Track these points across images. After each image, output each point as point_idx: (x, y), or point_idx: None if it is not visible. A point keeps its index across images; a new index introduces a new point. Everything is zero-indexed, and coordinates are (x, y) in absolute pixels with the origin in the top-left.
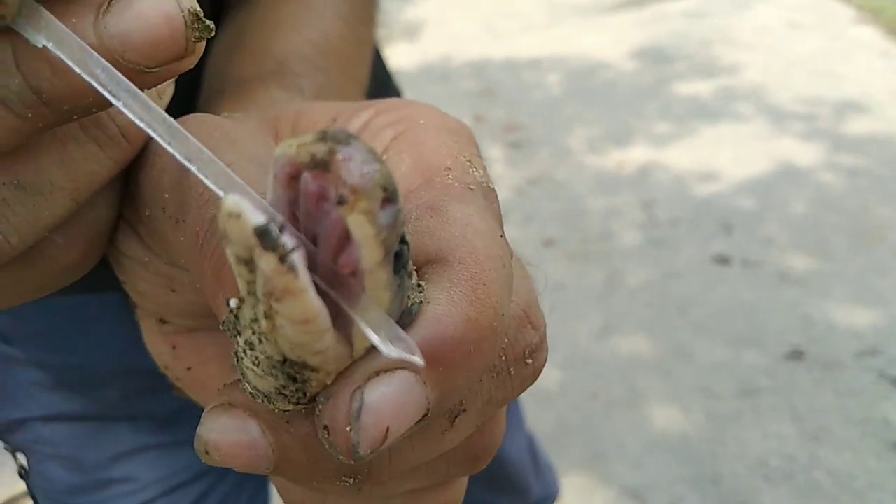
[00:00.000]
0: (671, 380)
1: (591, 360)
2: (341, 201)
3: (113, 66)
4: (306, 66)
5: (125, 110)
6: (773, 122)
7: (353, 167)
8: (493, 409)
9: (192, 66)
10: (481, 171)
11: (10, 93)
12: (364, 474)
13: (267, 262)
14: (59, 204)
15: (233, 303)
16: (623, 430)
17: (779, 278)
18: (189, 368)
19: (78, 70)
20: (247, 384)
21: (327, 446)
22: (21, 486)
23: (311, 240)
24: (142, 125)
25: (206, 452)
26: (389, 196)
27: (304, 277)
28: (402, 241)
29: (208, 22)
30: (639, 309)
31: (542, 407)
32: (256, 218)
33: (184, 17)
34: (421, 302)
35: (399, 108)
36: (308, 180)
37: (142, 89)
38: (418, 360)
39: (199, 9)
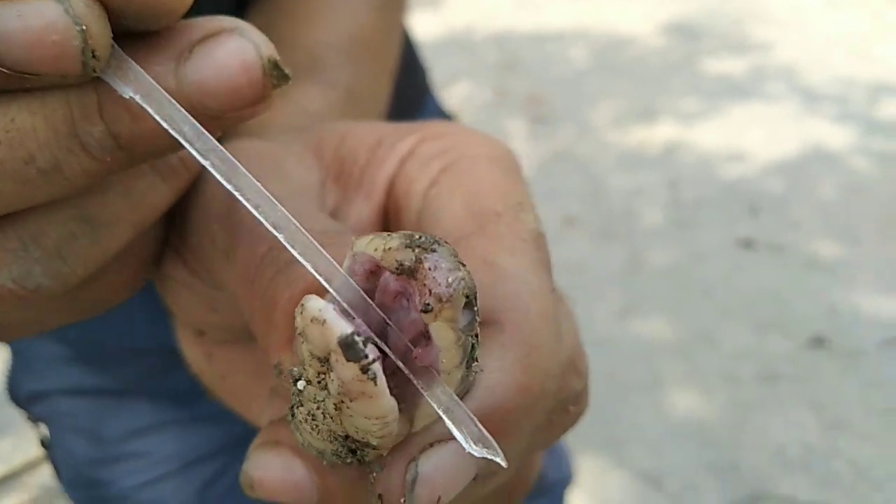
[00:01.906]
0: (692, 364)
1: (610, 342)
2: (426, 310)
3: (190, 113)
4: (340, 58)
5: (213, 172)
6: (804, 102)
7: (440, 277)
8: (530, 455)
9: (265, 112)
10: (531, 216)
11: (91, 139)
12: None
13: (348, 369)
14: (122, 235)
15: (295, 371)
16: (641, 414)
17: (805, 264)
18: (223, 377)
19: (165, 125)
20: (299, 434)
21: None
22: (38, 451)
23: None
24: (229, 187)
25: (252, 487)
26: (470, 301)
27: (382, 385)
28: (475, 335)
29: (286, 69)
30: (661, 291)
31: None
32: (342, 328)
33: (262, 65)
34: (476, 371)
35: (445, 136)
36: (390, 280)
37: (214, 133)
38: (502, 461)
39: (277, 56)
